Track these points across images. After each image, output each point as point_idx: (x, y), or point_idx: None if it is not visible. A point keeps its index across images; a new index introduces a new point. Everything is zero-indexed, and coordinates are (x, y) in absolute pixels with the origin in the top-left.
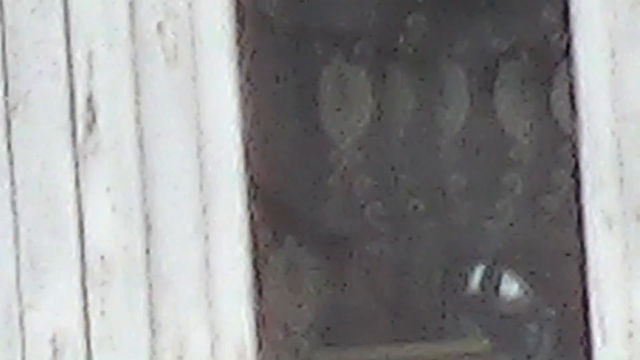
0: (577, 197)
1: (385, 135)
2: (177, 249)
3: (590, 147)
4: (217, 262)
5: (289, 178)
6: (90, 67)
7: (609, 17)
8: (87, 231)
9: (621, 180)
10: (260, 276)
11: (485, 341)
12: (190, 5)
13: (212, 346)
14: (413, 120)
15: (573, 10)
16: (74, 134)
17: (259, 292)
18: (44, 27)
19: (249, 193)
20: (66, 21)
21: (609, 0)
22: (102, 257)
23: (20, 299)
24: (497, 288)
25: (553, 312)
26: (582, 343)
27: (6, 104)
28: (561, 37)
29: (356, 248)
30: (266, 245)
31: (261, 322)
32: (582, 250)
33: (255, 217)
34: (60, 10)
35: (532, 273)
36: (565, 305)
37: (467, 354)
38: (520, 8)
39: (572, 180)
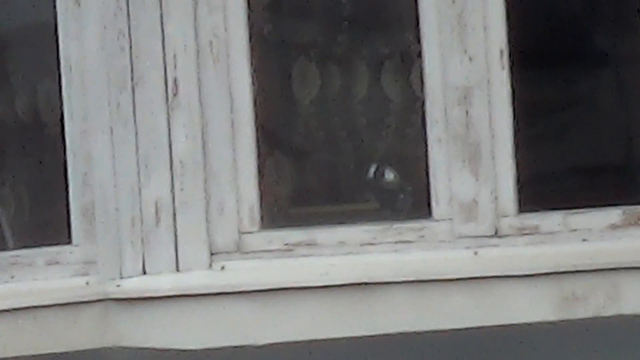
0: None
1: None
2: None
3: None
4: None
5: None
6: None
7: None
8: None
9: None
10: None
11: (376, 203)
12: None
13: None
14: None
15: None
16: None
17: None
18: None
19: None
20: None
21: None
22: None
23: (139, 182)
24: (382, 176)
25: (410, 188)
26: (425, 205)
27: None
28: None
29: None
30: None
31: None
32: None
33: None
34: None
35: (399, 168)
36: (417, 183)
37: (365, 210)
38: None
39: None
